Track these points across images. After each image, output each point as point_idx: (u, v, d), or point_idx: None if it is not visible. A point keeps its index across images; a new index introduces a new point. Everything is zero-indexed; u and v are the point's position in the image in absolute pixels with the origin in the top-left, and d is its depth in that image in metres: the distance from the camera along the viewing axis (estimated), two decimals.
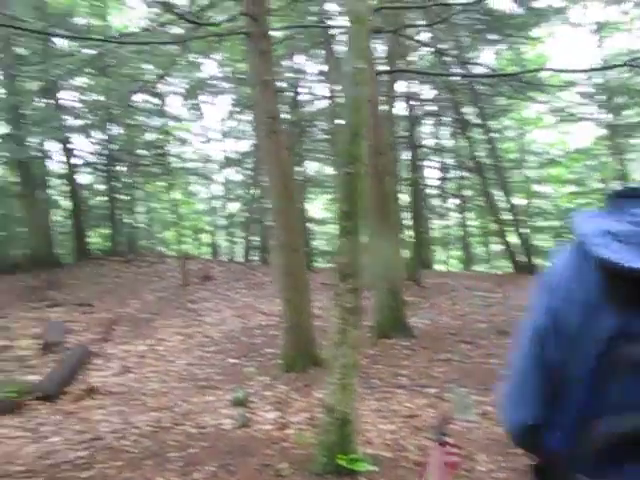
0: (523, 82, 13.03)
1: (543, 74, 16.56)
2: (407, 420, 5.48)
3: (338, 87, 17.06)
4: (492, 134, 17.87)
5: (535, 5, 14.84)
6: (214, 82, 20.07)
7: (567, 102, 20.22)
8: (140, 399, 6.77)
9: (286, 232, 7.28)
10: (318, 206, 26.13)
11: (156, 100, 18.28)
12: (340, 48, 12.93)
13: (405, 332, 9.08)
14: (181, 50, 12.37)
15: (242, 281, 15.64)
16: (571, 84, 13.85)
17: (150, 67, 14.48)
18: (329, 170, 24.69)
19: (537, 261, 18.28)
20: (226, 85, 20.06)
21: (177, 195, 17.13)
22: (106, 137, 19.00)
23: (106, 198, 20.44)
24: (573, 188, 24.70)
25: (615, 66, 10.37)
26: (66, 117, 17.01)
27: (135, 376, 7.93)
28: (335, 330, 4.54)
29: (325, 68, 19.79)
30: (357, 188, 4.75)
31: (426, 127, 23.51)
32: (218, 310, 12.21)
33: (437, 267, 24.98)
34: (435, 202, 25.37)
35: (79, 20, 16.85)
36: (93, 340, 9.84)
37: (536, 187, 25.65)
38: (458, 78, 16.28)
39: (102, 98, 17.30)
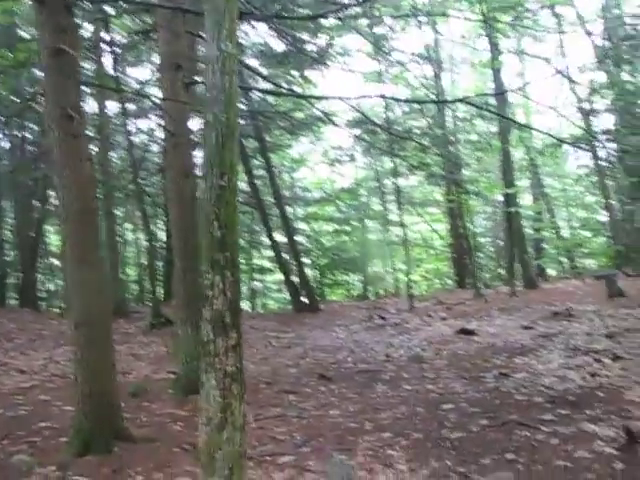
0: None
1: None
2: None
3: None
4: (272, 169, 17.52)
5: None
6: None
7: (337, 144, 21.17)
8: None
9: (84, 267, 5.52)
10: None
11: None
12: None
13: None
14: None
15: None
16: (359, 123, 14.12)
17: None
18: None
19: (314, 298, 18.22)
20: None
21: None
22: None
23: None
24: (336, 226, 25.85)
25: (453, 101, 10.55)
26: None
27: None
28: (213, 406, 3.20)
29: None
30: (232, 205, 3.54)
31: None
32: None
33: None
34: None
35: None
36: None
37: (299, 225, 26.30)
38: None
39: None
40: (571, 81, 15.77)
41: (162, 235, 21.88)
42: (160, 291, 18.11)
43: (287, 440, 5.66)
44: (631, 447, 4.49)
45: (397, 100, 11.02)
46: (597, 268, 20.35)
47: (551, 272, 23.98)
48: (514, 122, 7.09)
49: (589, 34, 16.59)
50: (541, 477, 4.17)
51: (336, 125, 8.94)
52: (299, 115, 15.70)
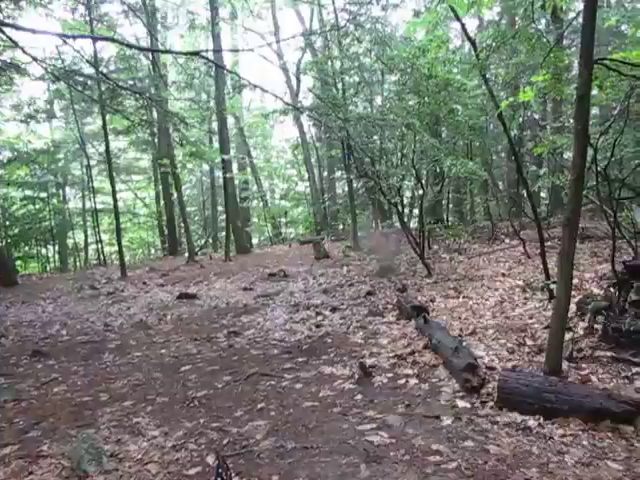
0: None
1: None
2: None
3: None
4: None
5: None
6: None
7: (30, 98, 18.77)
8: None
9: None
10: None
11: None
12: None
13: None
14: None
15: None
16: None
17: None
18: None
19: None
20: None
21: None
22: None
23: None
24: (29, 192, 22.95)
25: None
26: None
27: None
28: None
29: None
30: None
31: None
32: None
33: None
34: None
35: None
36: None
37: None
38: None
39: None
40: (280, 57, 16.61)
41: None
42: None
43: (5, 428, 4.85)
44: (366, 380, 5.00)
45: (115, 42, 9.73)
46: (302, 234, 22.21)
47: (254, 240, 25.35)
48: (248, 81, 7.07)
49: (299, 14, 17.68)
50: (295, 418, 4.35)
51: (34, 61, 7.45)
52: None
